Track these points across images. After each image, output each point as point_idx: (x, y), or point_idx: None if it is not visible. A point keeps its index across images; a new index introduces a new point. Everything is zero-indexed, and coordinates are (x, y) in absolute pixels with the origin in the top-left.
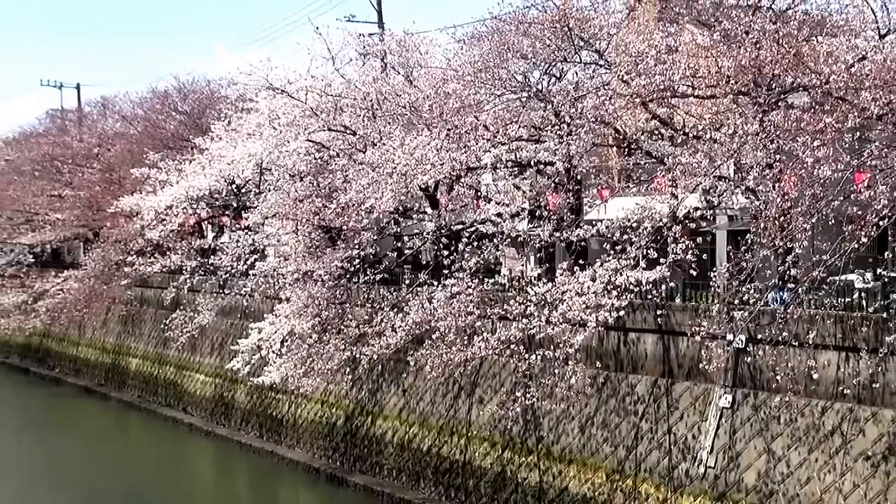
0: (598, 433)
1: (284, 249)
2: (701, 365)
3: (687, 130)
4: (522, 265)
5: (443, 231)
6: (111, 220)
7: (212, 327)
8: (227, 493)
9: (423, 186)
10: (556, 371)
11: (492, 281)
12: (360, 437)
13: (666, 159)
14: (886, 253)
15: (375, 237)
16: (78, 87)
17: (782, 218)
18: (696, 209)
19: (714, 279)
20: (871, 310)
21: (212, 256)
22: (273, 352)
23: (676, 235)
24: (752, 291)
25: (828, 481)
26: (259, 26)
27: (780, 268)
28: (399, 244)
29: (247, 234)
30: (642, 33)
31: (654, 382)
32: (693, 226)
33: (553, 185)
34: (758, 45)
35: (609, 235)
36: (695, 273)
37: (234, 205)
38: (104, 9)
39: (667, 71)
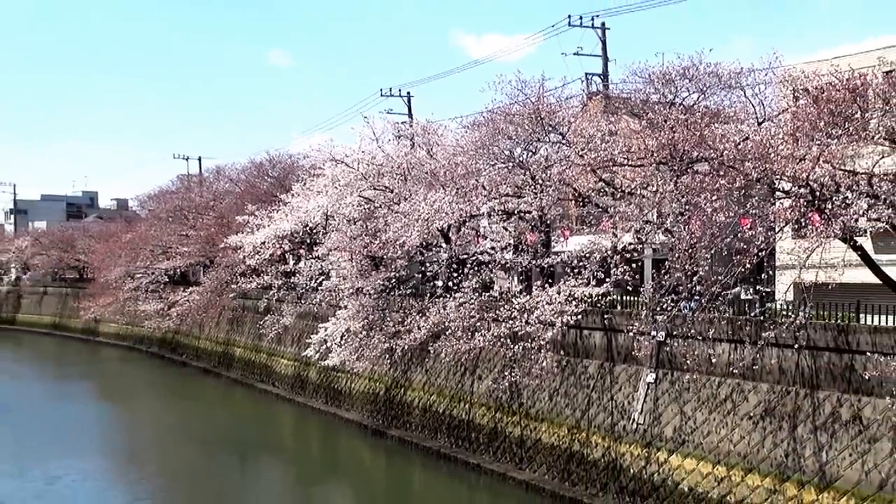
0: (562, 400)
1: (343, 272)
2: (634, 352)
3: (624, 189)
4: (509, 283)
5: (453, 259)
6: (222, 251)
7: (292, 326)
8: (304, 440)
9: (439, 228)
10: (533, 357)
11: (487, 294)
12: (395, 403)
13: (609, 209)
14: (763, 274)
15: (406, 263)
16: (199, 159)
17: (690, 250)
18: (631, 244)
19: (643, 293)
20: (752, 314)
21: (292, 277)
22: (335, 343)
23: (617, 263)
24: (669, 301)
25: (722, 434)
26: (323, 117)
27: (689, 285)
28: (423, 268)
29: (316, 261)
30: (592, 121)
31: (601, 365)
32: (628, 256)
33: (530, 227)
34: (673, 130)
35: (570, 262)
36: (630, 288)
37: (308, 241)
38: (217, 106)
39: (609, 148)
